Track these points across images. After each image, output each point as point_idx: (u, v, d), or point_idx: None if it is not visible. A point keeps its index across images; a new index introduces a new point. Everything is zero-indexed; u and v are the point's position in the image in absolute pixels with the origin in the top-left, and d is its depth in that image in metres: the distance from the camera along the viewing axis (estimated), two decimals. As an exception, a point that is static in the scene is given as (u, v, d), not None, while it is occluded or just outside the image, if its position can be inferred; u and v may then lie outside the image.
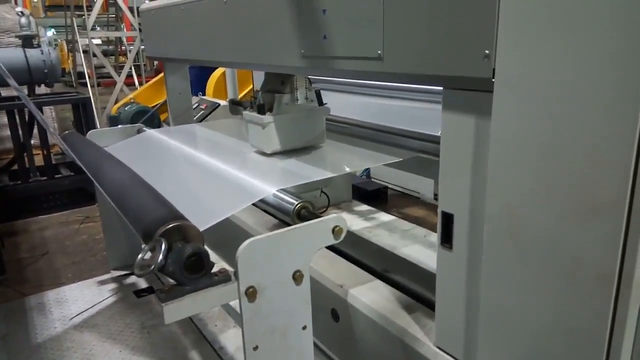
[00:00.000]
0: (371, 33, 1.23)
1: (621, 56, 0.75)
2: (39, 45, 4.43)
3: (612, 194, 0.80)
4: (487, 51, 0.95)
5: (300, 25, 1.49)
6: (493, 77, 0.95)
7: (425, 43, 1.10)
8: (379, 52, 1.22)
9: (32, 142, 4.20)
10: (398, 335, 1.38)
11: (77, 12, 9.27)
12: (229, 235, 2.04)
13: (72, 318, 2.45)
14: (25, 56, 4.28)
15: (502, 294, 1.02)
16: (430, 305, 1.42)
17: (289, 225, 1.32)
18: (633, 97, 0.75)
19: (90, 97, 4.47)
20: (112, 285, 2.77)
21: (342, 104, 2.35)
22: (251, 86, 3.80)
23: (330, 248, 1.75)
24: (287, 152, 1.93)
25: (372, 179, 3.91)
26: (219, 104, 4.33)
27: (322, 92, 1.98)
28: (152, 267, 1.09)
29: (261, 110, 1.87)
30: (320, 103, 1.97)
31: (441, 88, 1.12)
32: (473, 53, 0.98)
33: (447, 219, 1.16)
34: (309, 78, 1.96)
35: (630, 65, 0.74)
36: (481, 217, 1.04)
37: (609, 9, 0.76)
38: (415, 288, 1.56)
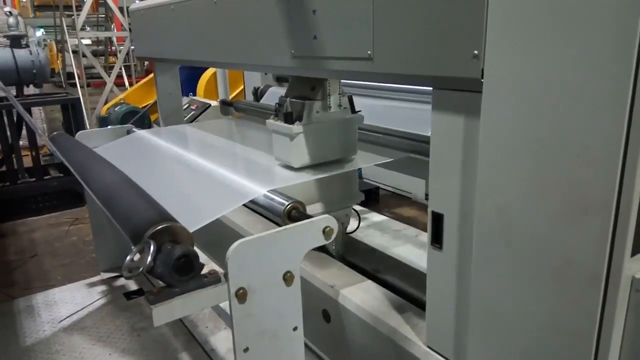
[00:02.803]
0: (361, 33, 1.23)
1: (610, 56, 0.76)
2: (27, 46, 4.39)
3: (602, 194, 0.80)
4: (476, 51, 0.95)
5: (291, 25, 1.49)
6: (482, 78, 0.95)
7: (414, 43, 1.10)
8: (369, 52, 1.22)
9: (21, 143, 4.16)
10: (389, 335, 1.38)
11: (66, 12, 9.21)
12: (219, 236, 2.03)
13: (61, 321, 2.43)
14: (14, 56, 4.24)
15: (492, 293, 1.02)
16: (421, 305, 1.42)
17: (279, 225, 1.31)
18: (622, 98, 0.75)
19: (79, 98, 4.43)
20: (102, 288, 2.75)
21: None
22: (242, 86, 3.79)
23: (321, 248, 1.75)
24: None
25: (364, 179, 3.91)
26: (210, 105, 4.31)
27: None
28: (141, 269, 1.08)
29: (289, 119, 1.65)
30: (353, 110, 1.76)
31: (431, 88, 1.12)
32: (462, 53, 0.98)
33: (437, 219, 1.17)
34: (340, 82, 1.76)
35: (619, 65, 0.75)
36: (471, 217, 1.05)
37: (598, 9, 0.76)
38: (406, 288, 1.57)
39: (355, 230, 1.94)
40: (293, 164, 1.68)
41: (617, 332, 0.86)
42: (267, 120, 1.74)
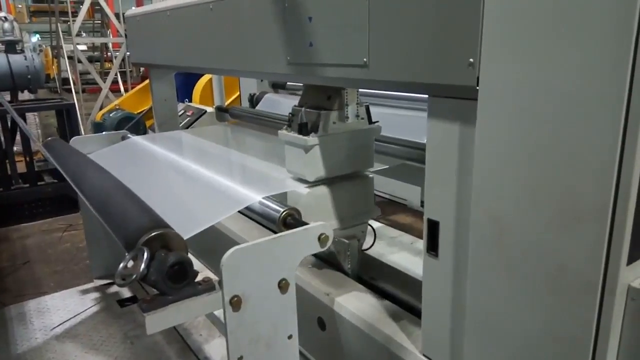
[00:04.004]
0: (357, 40, 1.23)
1: (605, 64, 0.76)
2: (22, 51, 4.38)
3: (596, 201, 0.80)
4: (471, 59, 0.96)
5: (287, 32, 1.49)
6: (477, 85, 0.95)
7: (410, 51, 1.10)
8: (365, 59, 1.22)
9: (15, 148, 4.14)
10: (384, 343, 1.37)
11: (62, 18, 9.20)
12: (213, 243, 2.02)
13: (53, 328, 2.41)
14: (8, 62, 4.23)
15: (488, 301, 1.02)
16: (416, 313, 1.41)
17: (274, 232, 1.31)
18: (616, 105, 0.75)
19: (74, 103, 4.43)
20: (95, 295, 2.72)
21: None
22: (238, 93, 3.79)
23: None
24: (271, 158, 1.89)
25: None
26: (206, 111, 4.30)
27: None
28: (134, 276, 1.07)
29: (304, 130, 1.56)
30: (370, 120, 1.67)
31: (426, 96, 1.13)
32: (457, 61, 0.99)
33: (433, 226, 1.16)
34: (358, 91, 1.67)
35: (613, 73, 0.75)
36: (466, 225, 1.04)
37: (592, 17, 0.76)
38: (401, 296, 1.56)
39: (370, 247, 1.81)
40: (307, 178, 1.59)
41: (614, 340, 0.86)
42: (280, 131, 1.65)
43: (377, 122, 1.68)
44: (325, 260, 1.77)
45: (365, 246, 1.80)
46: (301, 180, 1.62)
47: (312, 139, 1.54)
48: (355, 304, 1.52)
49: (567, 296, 0.87)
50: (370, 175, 1.73)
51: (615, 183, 0.78)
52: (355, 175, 1.69)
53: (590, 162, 0.80)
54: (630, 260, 0.83)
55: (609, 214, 0.79)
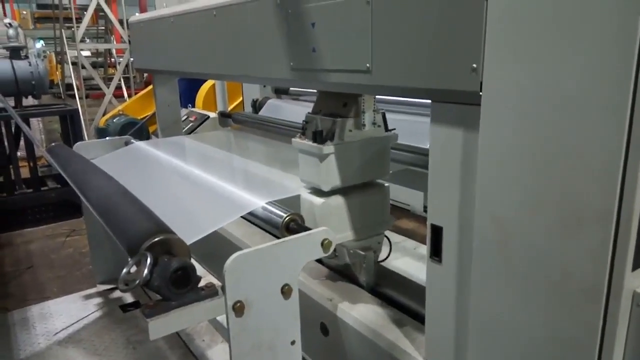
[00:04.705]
0: (360, 46, 1.23)
1: (609, 67, 0.76)
2: (26, 57, 4.41)
3: (601, 206, 0.80)
4: (474, 65, 0.96)
5: (290, 38, 1.50)
6: (480, 91, 0.95)
7: (413, 56, 1.10)
8: (368, 65, 1.22)
9: (19, 154, 4.15)
10: (388, 349, 1.36)
11: (66, 24, 9.26)
12: (216, 248, 2.02)
13: (56, 333, 2.40)
14: (13, 67, 4.25)
15: (492, 307, 1.02)
16: (420, 319, 1.41)
17: (277, 238, 1.31)
18: (620, 109, 0.75)
19: (78, 109, 4.45)
20: (98, 300, 2.72)
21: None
22: (241, 98, 3.80)
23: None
24: (274, 163, 1.88)
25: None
26: (209, 116, 4.32)
27: (311, 104, 1.87)
28: (137, 281, 1.07)
29: (319, 138, 1.51)
30: (387, 128, 1.62)
31: (429, 101, 1.13)
32: (460, 66, 0.99)
33: (436, 231, 1.16)
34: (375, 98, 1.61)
35: (618, 76, 0.75)
36: (470, 230, 1.04)
37: (595, 22, 0.76)
38: (405, 301, 1.55)
39: (386, 259, 1.75)
40: (322, 187, 1.53)
41: (619, 346, 0.86)
42: (293, 139, 1.61)
43: (394, 129, 1.63)
44: (340, 272, 1.73)
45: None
46: (315, 190, 1.58)
47: (327, 148, 1.50)
48: (358, 310, 1.51)
49: (571, 302, 0.87)
50: (386, 184, 1.68)
51: (619, 188, 0.78)
52: (371, 184, 1.65)
53: (595, 167, 0.80)
54: (636, 266, 0.83)
55: (614, 219, 0.79)
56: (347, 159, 1.54)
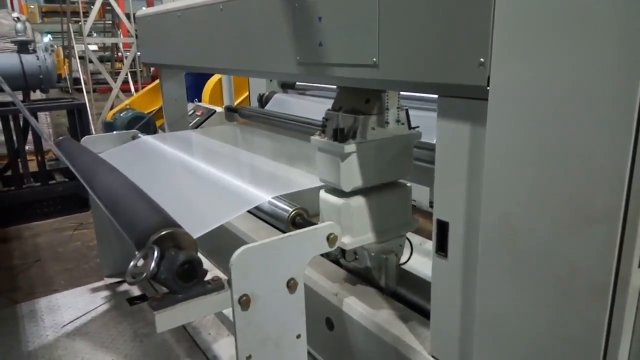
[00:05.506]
0: (367, 40, 1.23)
1: (616, 63, 0.75)
2: (34, 51, 4.43)
3: (608, 203, 0.79)
4: (482, 59, 0.95)
5: (296, 32, 1.49)
6: (488, 85, 0.95)
7: (420, 50, 1.10)
8: (375, 59, 1.22)
9: (27, 147, 4.18)
10: (393, 344, 1.37)
11: (73, 18, 9.29)
12: (223, 242, 2.02)
13: (64, 326, 2.43)
14: (21, 62, 4.27)
15: (498, 302, 1.01)
16: (425, 314, 1.41)
17: (283, 232, 1.31)
18: (628, 105, 0.75)
19: (85, 103, 4.47)
20: (105, 293, 2.75)
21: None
22: (247, 93, 3.80)
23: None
24: (280, 158, 1.88)
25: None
26: (215, 111, 4.32)
27: (317, 99, 1.85)
28: (144, 274, 1.08)
29: (340, 136, 1.43)
30: (410, 126, 1.54)
31: (436, 96, 1.12)
32: (468, 61, 0.98)
33: (442, 227, 1.16)
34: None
35: (625, 72, 0.74)
36: (476, 226, 1.04)
37: (605, 18, 0.76)
38: (410, 296, 1.56)
39: (407, 261, 1.67)
40: (343, 188, 1.45)
41: (625, 343, 0.85)
42: (312, 137, 1.52)
43: (418, 127, 1.55)
44: (359, 276, 1.68)
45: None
46: (334, 190, 1.52)
47: (349, 146, 1.41)
48: (364, 304, 1.51)
49: (577, 298, 0.87)
50: (409, 184, 1.60)
51: (627, 184, 0.77)
52: (393, 184, 1.57)
53: (602, 163, 0.79)
54: (643, 263, 0.82)
55: (621, 215, 0.78)
56: (370, 158, 1.46)
